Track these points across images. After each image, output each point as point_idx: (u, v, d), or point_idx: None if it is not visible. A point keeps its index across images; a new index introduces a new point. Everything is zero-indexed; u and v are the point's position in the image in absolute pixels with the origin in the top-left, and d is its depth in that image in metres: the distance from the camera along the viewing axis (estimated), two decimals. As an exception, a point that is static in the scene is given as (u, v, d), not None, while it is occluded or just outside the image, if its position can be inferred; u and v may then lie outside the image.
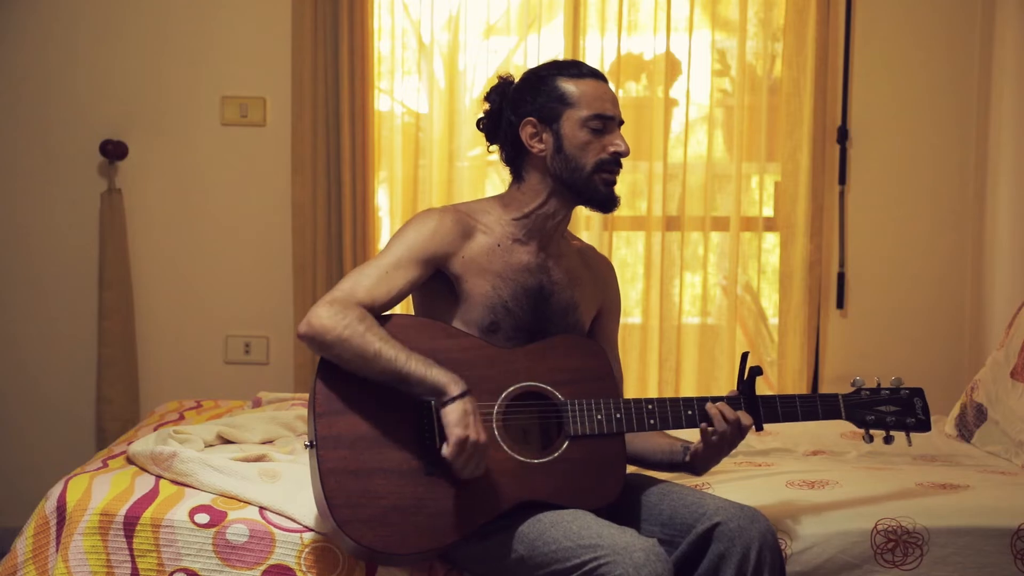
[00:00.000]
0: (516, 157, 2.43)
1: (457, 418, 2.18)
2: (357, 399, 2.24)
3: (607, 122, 2.37)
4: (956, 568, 2.42)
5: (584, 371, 2.37)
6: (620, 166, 2.39)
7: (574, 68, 2.40)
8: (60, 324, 4.20)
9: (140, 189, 4.18)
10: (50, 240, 4.19)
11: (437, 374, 2.20)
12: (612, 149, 2.37)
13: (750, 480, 2.71)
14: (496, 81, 2.47)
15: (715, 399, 2.37)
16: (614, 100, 2.39)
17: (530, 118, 2.38)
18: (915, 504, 2.50)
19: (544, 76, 2.39)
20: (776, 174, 4.18)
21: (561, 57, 4.11)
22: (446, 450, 2.18)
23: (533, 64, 4.07)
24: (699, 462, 2.43)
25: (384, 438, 2.23)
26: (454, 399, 2.19)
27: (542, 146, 2.38)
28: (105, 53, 4.15)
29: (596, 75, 2.40)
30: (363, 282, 2.29)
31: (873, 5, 4.15)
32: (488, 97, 2.46)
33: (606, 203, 2.40)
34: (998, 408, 3.12)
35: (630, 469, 2.46)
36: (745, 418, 2.35)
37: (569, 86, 2.37)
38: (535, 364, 2.34)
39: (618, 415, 2.34)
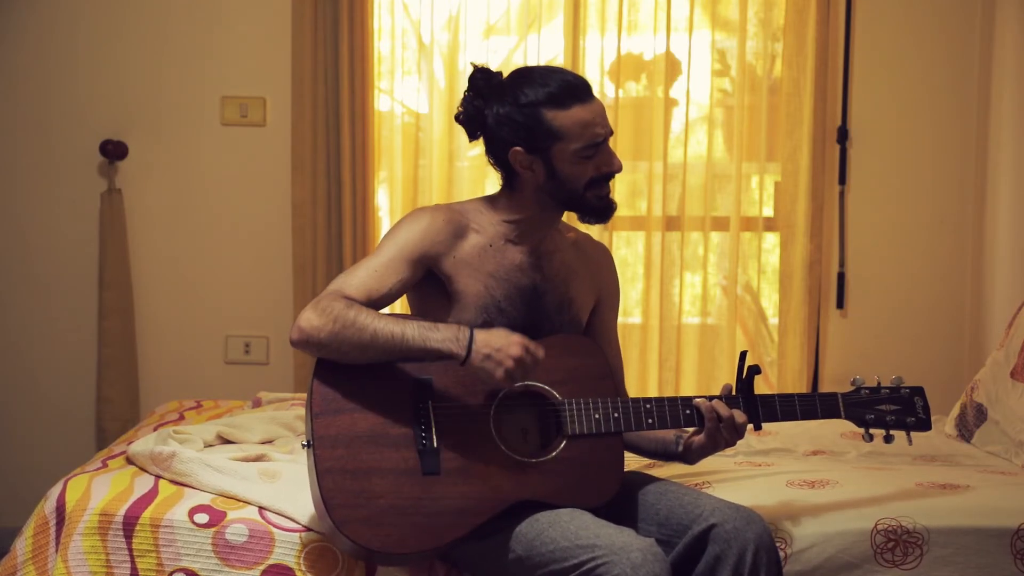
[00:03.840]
0: (506, 168, 2.38)
1: (482, 370, 2.19)
2: (354, 399, 2.24)
3: (599, 146, 2.33)
4: (956, 568, 2.42)
5: (581, 370, 2.37)
6: (612, 177, 2.38)
7: (558, 97, 2.29)
8: (60, 324, 4.20)
9: (140, 189, 4.18)
10: (50, 240, 4.19)
11: (436, 342, 2.20)
12: (605, 170, 2.35)
13: (750, 480, 2.71)
14: (472, 71, 2.38)
15: (711, 398, 2.37)
16: (602, 117, 2.33)
17: (518, 148, 2.32)
18: (915, 504, 2.50)
19: (526, 109, 2.30)
20: (776, 174, 4.18)
21: (560, 59, 4.10)
22: (507, 387, 2.23)
23: (533, 64, 4.09)
24: (691, 454, 2.43)
25: (382, 437, 2.23)
26: (466, 359, 2.19)
27: (532, 173, 2.35)
28: (105, 53, 4.15)
29: (581, 97, 2.31)
30: (351, 282, 2.28)
31: (873, 5, 4.14)
32: (465, 99, 2.37)
33: (602, 215, 2.39)
34: (998, 408, 3.12)
35: (626, 459, 2.46)
36: (740, 416, 2.35)
37: (557, 120, 2.29)
38: None
39: (616, 414, 2.34)
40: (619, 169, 2.36)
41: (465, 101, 2.38)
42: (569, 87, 2.31)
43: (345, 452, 2.20)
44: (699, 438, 2.39)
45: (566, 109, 2.30)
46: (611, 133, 2.36)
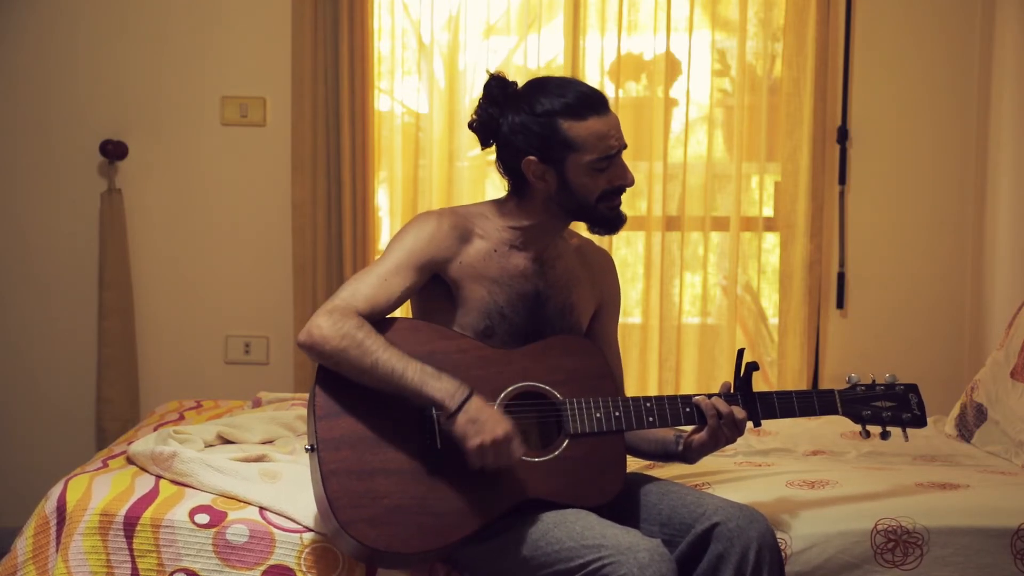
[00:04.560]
0: (515, 176, 2.38)
1: (462, 431, 2.18)
2: (357, 400, 2.24)
3: (612, 159, 2.34)
4: (956, 568, 2.42)
5: (581, 371, 2.37)
6: (624, 190, 2.38)
7: (574, 108, 2.30)
8: (60, 324, 4.20)
9: (140, 189, 4.18)
10: (50, 240, 4.19)
11: (433, 389, 2.19)
12: (618, 183, 2.35)
13: (750, 480, 2.71)
14: (487, 78, 2.39)
15: (710, 396, 2.37)
16: (617, 130, 2.34)
17: (532, 157, 2.33)
18: (915, 504, 2.50)
19: (542, 118, 2.31)
20: (776, 174, 4.18)
21: (560, 59, 4.11)
22: (472, 462, 2.18)
23: (533, 64, 4.09)
24: (692, 453, 2.43)
25: (385, 438, 2.23)
26: (453, 414, 2.18)
27: (545, 184, 2.35)
28: (105, 53, 4.15)
29: (597, 109, 2.32)
30: (362, 289, 2.29)
31: (873, 5, 4.15)
32: (479, 106, 2.38)
33: (612, 225, 2.39)
34: (998, 408, 3.12)
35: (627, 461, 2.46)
36: (739, 412, 2.36)
37: (573, 131, 2.30)
38: (532, 364, 2.34)
39: (617, 413, 2.34)
40: (631, 183, 2.37)
41: (479, 109, 2.38)
42: (586, 98, 2.32)
43: (350, 453, 2.21)
44: (700, 436, 2.40)
45: (582, 120, 2.31)
46: (625, 146, 2.36)
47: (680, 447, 2.44)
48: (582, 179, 2.33)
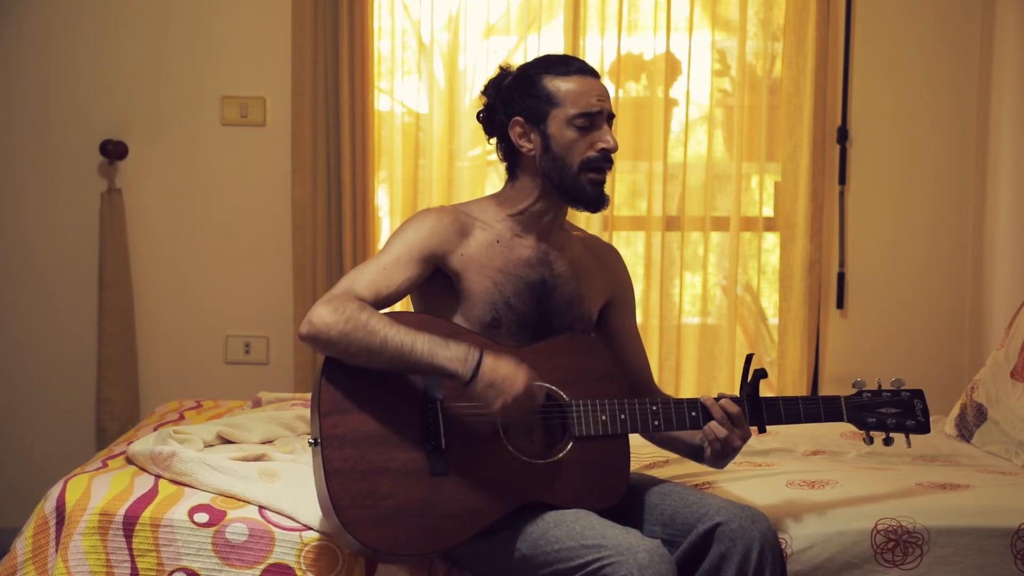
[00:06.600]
0: (509, 156, 2.43)
1: (483, 397, 2.18)
2: (362, 398, 2.23)
3: (594, 118, 2.35)
4: (956, 568, 2.42)
5: (588, 371, 2.37)
6: (610, 163, 2.37)
7: (562, 66, 2.38)
8: (60, 324, 4.20)
9: (140, 189, 4.18)
10: (50, 240, 4.19)
11: (444, 360, 2.18)
12: (600, 146, 2.35)
13: (750, 480, 2.71)
14: (496, 72, 2.46)
15: (719, 397, 2.37)
16: (602, 94, 2.37)
17: (518, 118, 2.37)
18: (915, 504, 2.50)
19: (531, 75, 2.38)
20: (776, 174, 4.18)
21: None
22: (501, 421, 2.21)
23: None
24: (709, 462, 2.43)
25: (389, 437, 2.22)
26: (469, 382, 2.18)
27: (530, 146, 2.37)
28: (105, 53, 4.15)
29: (584, 70, 2.38)
30: (361, 279, 2.29)
31: (873, 5, 4.15)
32: (485, 91, 2.46)
33: (593, 204, 2.38)
34: (998, 408, 3.12)
35: (665, 454, 2.43)
36: (730, 406, 2.34)
37: (555, 85, 2.35)
38: (538, 364, 2.32)
39: (622, 416, 2.34)
40: (613, 147, 2.36)
41: (483, 91, 2.46)
42: (575, 62, 2.40)
43: (353, 452, 2.20)
44: (707, 451, 2.39)
45: (566, 76, 2.36)
46: (611, 112, 2.38)
47: (706, 453, 2.44)
48: (564, 136, 2.34)
